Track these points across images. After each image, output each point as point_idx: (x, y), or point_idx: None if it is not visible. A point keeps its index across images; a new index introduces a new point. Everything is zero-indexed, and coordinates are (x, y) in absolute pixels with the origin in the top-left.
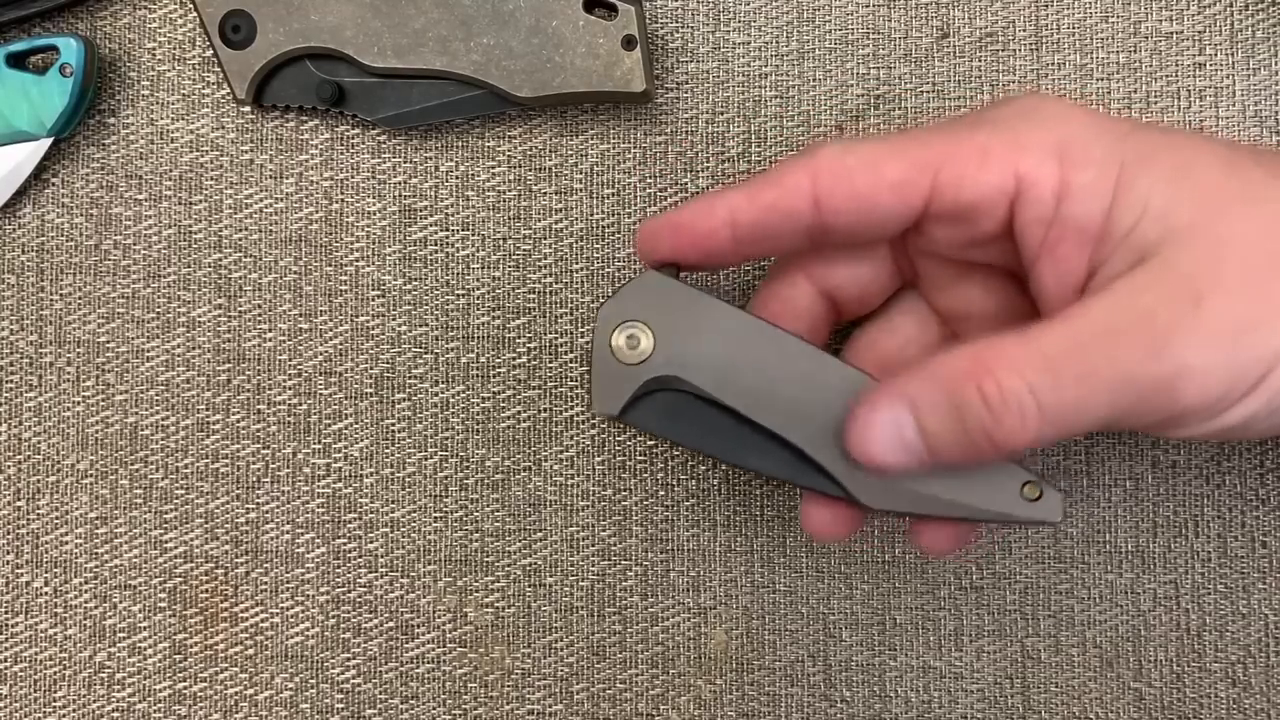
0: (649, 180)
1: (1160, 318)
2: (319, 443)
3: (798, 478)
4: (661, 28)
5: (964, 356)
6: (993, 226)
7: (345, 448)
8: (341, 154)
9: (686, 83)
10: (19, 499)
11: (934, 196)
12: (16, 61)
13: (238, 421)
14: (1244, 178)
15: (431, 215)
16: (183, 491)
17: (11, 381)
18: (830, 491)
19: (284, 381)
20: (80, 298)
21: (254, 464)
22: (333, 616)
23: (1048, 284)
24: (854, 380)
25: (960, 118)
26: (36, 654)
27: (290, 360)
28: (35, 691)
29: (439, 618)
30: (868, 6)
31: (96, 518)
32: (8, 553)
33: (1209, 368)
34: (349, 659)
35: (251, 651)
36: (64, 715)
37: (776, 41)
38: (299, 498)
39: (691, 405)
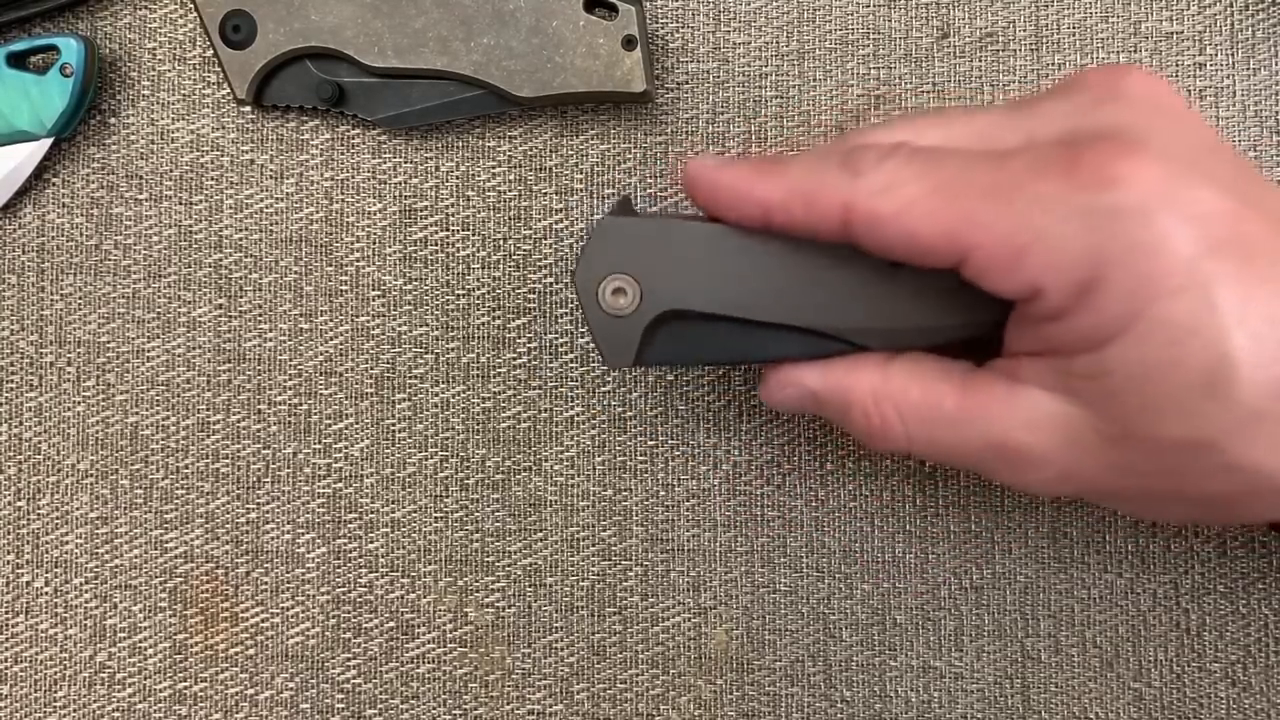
0: (649, 180)
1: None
2: (319, 443)
3: (820, 349)
4: (661, 28)
5: (870, 381)
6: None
7: (346, 448)
8: (342, 154)
9: (686, 83)
10: (19, 499)
11: (958, 268)
12: (17, 61)
13: (238, 421)
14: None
15: (432, 215)
16: (183, 491)
17: (12, 381)
18: (847, 350)
19: (284, 381)
20: (81, 298)
21: (254, 464)
22: (333, 616)
23: (1009, 340)
24: (829, 253)
25: (1041, 122)
26: (37, 654)
27: (291, 360)
28: (36, 691)
29: (439, 618)
30: (868, 6)
31: (97, 518)
32: (8, 553)
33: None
34: (350, 659)
35: (252, 651)
36: (64, 715)
37: (776, 41)
38: (299, 498)
39: (696, 324)
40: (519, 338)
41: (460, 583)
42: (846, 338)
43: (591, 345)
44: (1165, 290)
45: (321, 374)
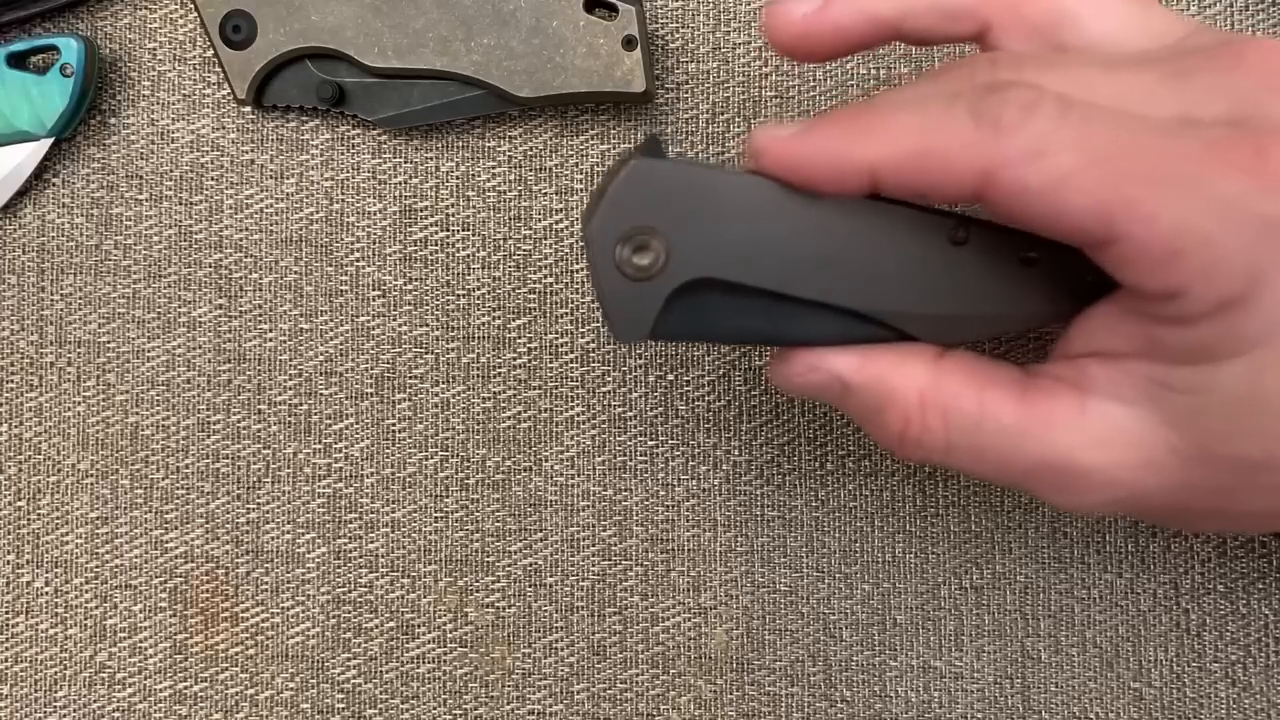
0: None
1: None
2: (319, 443)
3: (859, 334)
4: (661, 28)
5: (918, 380)
6: None
7: (346, 448)
8: (342, 154)
9: (686, 83)
10: (19, 499)
11: (1097, 253)
12: (17, 61)
13: (238, 421)
14: None
15: (432, 215)
16: (183, 491)
17: (12, 381)
18: (889, 338)
19: (284, 381)
20: (81, 298)
21: (255, 464)
22: (333, 616)
23: (1080, 336)
24: (881, 214)
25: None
26: (37, 654)
27: (291, 360)
28: (36, 691)
29: (440, 618)
30: None
31: (97, 518)
32: (8, 553)
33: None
34: (350, 659)
35: (252, 651)
36: (64, 715)
37: None
38: (300, 498)
39: (724, 295)
40: (519, 338)
41: (460, 583)
42: (893, 323)
43: (599, 318)
44: None
45: (321, 374)
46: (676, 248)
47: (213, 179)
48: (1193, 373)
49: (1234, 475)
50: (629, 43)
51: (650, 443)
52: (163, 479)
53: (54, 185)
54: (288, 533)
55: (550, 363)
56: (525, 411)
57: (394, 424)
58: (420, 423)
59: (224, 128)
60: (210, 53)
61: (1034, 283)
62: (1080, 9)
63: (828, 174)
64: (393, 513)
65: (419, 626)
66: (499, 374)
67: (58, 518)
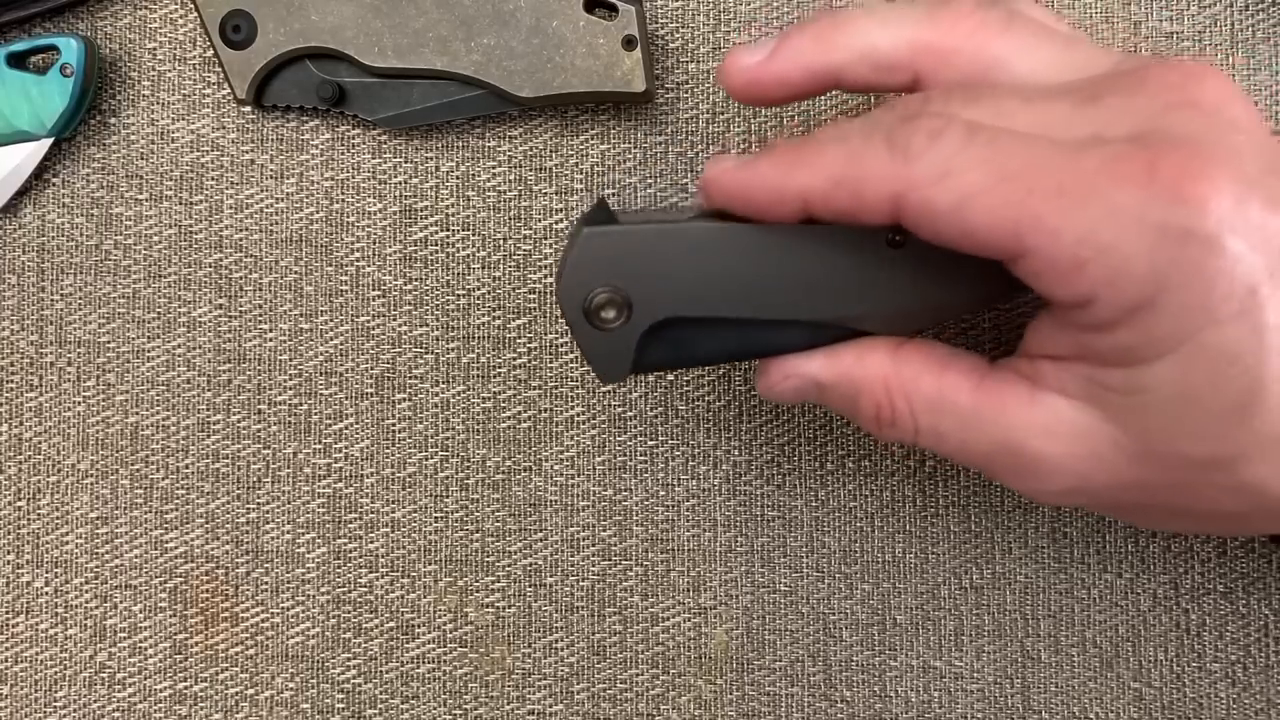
0: (649, 180)
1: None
2: (319, 443)
3: (822, 337)
4: (661, 28)
5: (881, 369)
6: None
7: (346, 448)
8: (342, 154)
9: (686, 83)
10: (19, 499)
11: (1008, 263)
12: (17, 61)
13: (238, 421)
14: None
15: (432, 215)
16: (183, 491)
17: (12, 381)
18: (851, 335)
19: (284, 381)
20: (81, 298)
21: (255, 464)
22: (333, 616)
23: (1032, 340)
24: (818, 234)
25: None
26: (37, 654)
27: (291, 360)
28: (35, 691)
29: (439, 618)
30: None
31: (97, 517)
32: (8, 553)
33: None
34: (350, 659)
35: (252, 651)
36: (64, 715)
37: None
38: (299, 498)
39: (692, 328)
40: (519, 338)
41: (460, 583)
42: (850, 325)
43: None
44: (1219, 317)
45: (321, 374)
46: (637, 298)
47: (213, 179)
48: (1125, 374)
49: (1184, 473)
50: (629, 43)
51: (650, 443)
52: (163, 479)
53: (54, 185)
54: (288, 533)
55: (550, 363)
56: (525, 411)
57: (394, 424)
58: (420, 423)
59: (224, 128)
60: (210, 53)
61: (974, 270)
62: (1006, 53)
63: (766, 202)
64: (393, 513)
65: (419, 626)
66: (499, 374)
67: (58, 518)
